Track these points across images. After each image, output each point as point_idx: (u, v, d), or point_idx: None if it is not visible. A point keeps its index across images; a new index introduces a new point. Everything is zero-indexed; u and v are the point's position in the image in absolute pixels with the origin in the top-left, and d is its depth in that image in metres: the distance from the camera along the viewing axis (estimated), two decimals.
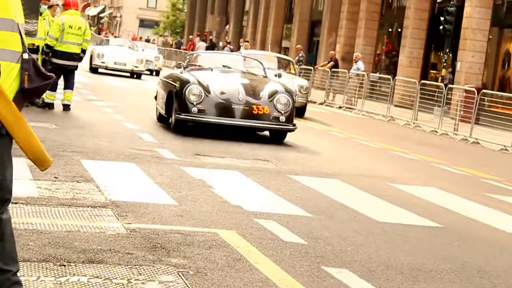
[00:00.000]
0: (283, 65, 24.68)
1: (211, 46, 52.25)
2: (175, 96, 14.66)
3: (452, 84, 28.41)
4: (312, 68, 34.36)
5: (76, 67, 17.10)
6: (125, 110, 18.72)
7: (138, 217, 7.34)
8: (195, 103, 14.33)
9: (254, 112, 14.44)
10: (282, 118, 14.53)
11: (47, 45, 16.57)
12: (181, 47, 61.72)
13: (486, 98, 23.16)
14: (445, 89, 23.80)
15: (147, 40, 67.28)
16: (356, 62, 30.99)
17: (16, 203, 7.27)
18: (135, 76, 36.15)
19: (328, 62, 34.65)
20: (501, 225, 8.98)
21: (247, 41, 46.86)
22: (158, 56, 44.08)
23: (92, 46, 37.67)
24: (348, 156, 14.35)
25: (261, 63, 17.63)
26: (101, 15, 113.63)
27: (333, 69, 32.25)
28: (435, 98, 25.09)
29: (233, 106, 14.42)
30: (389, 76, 29.25)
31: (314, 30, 48.38)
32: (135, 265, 5.71)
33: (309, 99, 25.76)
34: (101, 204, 7.74)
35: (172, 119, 14.86)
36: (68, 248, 5.97)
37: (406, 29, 35.27)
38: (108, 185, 8.74)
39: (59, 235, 6.34)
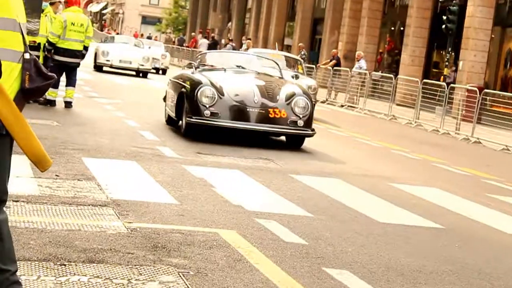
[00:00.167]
0: (291, 64, 23.53)
1: (213, 44, 52.25)
2: (186, 98, 13.83)
3: (455, 83, 28.40)
4: (314, 66, 34.34)
5: (78, 64, 17.10)
6: (127, 108, 18.72)
7: (139, 216, 7.33)
8: (207, 106, 13.47)
9: (270, 115, 13.60)
10: (300, 123, 13.70)
11: (49, 42, 16.57)
12: (184, 44, 61.70)
13: (488, 98, 23.17)
14: (447, 88, 23.79)
15: (149, 37, 67.32)
16: (358, 61, 30.97)
17: (17, 201, 7.27)
18: (141, 74, 35.20)
19: (330, 61, 34.60)
20: (502, 226, 8.98)
21: (249, 39, 46.84)
22: (165, 54, 42.71)
23: (97, 44, 37.30)
24: (349, 155, 14.33)
25: (277, 63, 16.86)
26: (104, 11, 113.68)
27: (335, 68, 32.24)
28: (437, 97, 25.07)
29: (248, 109, 13.59)
30: (391, 75, 29.23)
31: (317, 28, 48.37)
32: (135, 265, 5.71)
33: (317, 99, 25.56)
34: (102, 202, 7.74)
35: (183, 123, 14.06)
36: (68, 247, 5.97)
37: (409, 27, 35.25)
38: (109, 184, 8.73)
39: (60, 234, 6.34)
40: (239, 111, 13.59)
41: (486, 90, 23.56)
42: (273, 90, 14.14)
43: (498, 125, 21.49)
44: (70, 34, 16.69)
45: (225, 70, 15.10)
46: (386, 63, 41.17)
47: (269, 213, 8.10)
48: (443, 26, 29.93)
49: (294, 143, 14.17)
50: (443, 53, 33.94)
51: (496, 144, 19.63)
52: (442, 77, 30.94)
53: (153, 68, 38.12)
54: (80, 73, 19.66)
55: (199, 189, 9.08)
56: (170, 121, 15.56)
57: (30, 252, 5.73)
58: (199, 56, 16.71)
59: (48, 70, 16.47)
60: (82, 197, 7.87)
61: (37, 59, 4.10)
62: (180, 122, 14.39)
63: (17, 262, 4.36)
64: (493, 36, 31.06)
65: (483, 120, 22.72)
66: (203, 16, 68.66)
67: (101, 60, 34.49)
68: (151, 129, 14.64)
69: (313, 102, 14.17)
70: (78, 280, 5.25)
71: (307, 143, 14.31)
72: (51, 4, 17.17)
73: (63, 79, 16.87)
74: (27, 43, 4.11)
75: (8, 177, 4.14)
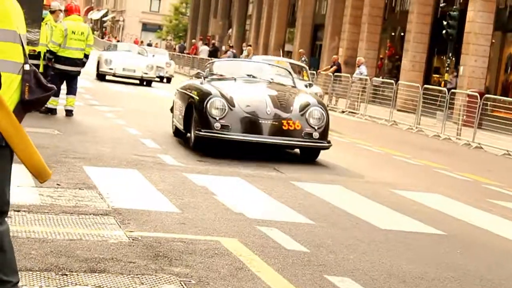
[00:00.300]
0: (296, 71, 22.66)
1: (214, 50, 52.32)
2: (195, 109, 13.18)
3: (456, 88, 28.41)
4: (314, 72, 34.34)
5: (79, 73, 17.11)
6: (128, 116, 18.73)
7: (140, 224, 7.34)
8: (217, 118, 12.77)
9: (284, 127, 12.89)
10: (316, 135, 13.00)
11: (50, 51, 16.58)
12: (184, 51, 61.75)
13: (489, 103, 23.15)
14: (448, 93, 23.79)
15: (149, 44, 67.36)
16: (358, 67, 30.99)
17: (18, 211, 7.27)
18: (144, 83, 34.17)
19: (331, 66, 34.61)
20: (503, 232, 8.97)
21: (250, 45, 46.88)
22: (170, 62, 41.47)
23: (99, 52, 36.83)
24: (350, 162, 14.33)
25: (290, 71, 16.28)
26: (104, 19, 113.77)
27: (335, 73, 32.25)
28: (438, 103, 25.07)
29: (260, 121, 12.89)
30: (392, 81, 29.24)
31: (317, 34, 48.39)
32: (137, 274, 5.71)
33: None
34: (103, 211, 7.74)
35: (192, 136, 13.39)
36: (70, 257, 5.97)
37: (409, 33, 35.26)
38: (111, 192, 8.74)
39: (61, 244, 6.34)
40: (251, 123, 12.92)
41: (487, 95, 23.57)
42: (286, 100, 13.53)
43: (499, 130, 21.48)
44: (71, 43, 16.71)
45: (235, 79, 14.48)
46: (386, 69, 41.18)
47: (270, 220, 8.10)
48: (444, 32, 29.94)
49: (308, 156, 13.54)
50: (444, 58, 33.95)
51: (497, 149, 19.63)
52: (442, 82, 30.96)
53: (157, 77, 37.11)
54: (81, 81, 19.67)
55: (201, 197, 9.08)
56: (177, 133, 15.03)
57: (32, 262, 5.74)
58: (208, 65, 15.81)
59: (49, 78, 16.55)
60: (83, 206, 7.88)
61: (37, 70, 4.11)
62: (188, 134, 13.86)
63: (19, 273, 4.37)
64: (493, 41, 31.07)
65: (484, 125, 22.70)
66: (203, 23, 68.71)
67: (104, 68, 33.49)
68: (152, 137, 14.63)
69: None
70: None
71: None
72: (52, 12, 17.19)
73: (63, 87, 16.88)
74: (27, 54, 4.13)
75: (9, 188, 4.15)
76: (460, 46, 30.92)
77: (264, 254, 6.65)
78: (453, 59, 31.86)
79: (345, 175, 12.34)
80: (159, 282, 5.58)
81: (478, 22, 30.09)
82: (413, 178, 13.17)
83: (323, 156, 14.32)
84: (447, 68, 31.45)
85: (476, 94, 22.83)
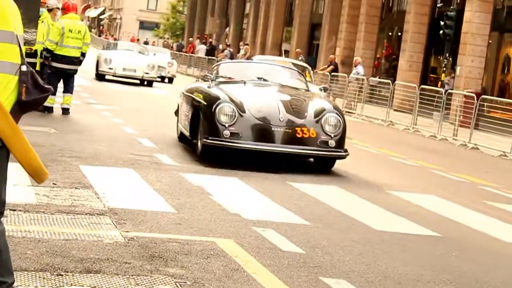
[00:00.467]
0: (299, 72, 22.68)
1: (211, 49, 52.30)
2: (203, 115, 12.38)
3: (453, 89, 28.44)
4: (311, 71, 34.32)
5: (75, 71, 17.11)
6: (125, 114, 18.71)
7: (136, 225, 7.33)
8: (227, 125, 11.92)
9: (298, 135, 12.03)
10: (332, 143, 12.13)
11: (47, 49, 16.57)
12: (182, 50, 61.71)
13: (485, 104, 23.18)
14: (445, 94, 23.81)
15: (146, 43, 67.23)
16: (355, 66, 30.99)
17: (14, 210, 7.27)
18: (145, 83, 33.05)
19: (328, 66, 34.64)
20: (500, 234, 8.97)
21: (247, 44, 46.89)
22: (172, 62, 39.98)
23: (98, 51, 36.33)
24: (347, 162, 14.30)
25: (302, 74, 15.44)
26: (101, 17, 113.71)
27: (332, 73, 32.26)
28: (434, 103, 25.09)
29: (272, 128, 12.02)
30: (389, 81, 29.25)
31: (314, 33, 48.41)
32: (132, 275, 5.71)
33: None
34: (99, 211, 7.74)
35: (198, 144, 12.51)
36: (65, 257, 5.96)
37: (406, 33, 35.28)
38: (107, 192, 8.74)
39: (57, 244, 6.33)
40: (263, 131, 12.05)
41: (483, 96, 23.58)
42: (300, 106, 12.72)
43: (496, 131, 21.48)
44: (68, 41, 16.71)
45: (244, 83, 13.49)
46: (383, 69, 41.21)
47: (266, 221, 8.10)
48: (441, 32, 29.96)
49: (323, 166, 12.69)
50: (441, 58, 33.96)
51: (494, 150, 19.63)
52: (439, 82, 30.97)
53: (158, 77, 35.87)
54: (79, 79, 19.66)
55: (197, 197, 9.08)
56: (182, 138, 14.25)
57: (27, 262, 5.73)
58: (215, 67, 14.93)
59: (45, 77, 16.50)
60: (79, 206, 7.87)
61: (34, 71, 4.11)
62: (195, 141, 13.01)
63: (14, 273, 4.37)
64: (490, 41, 31.11)
65: (481, 126, 22.71)
66: (201, 21, 68.69)
67: (104, 68, 32.33)
68: (149, 136, 14.61)
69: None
70: None
71: None
72: (49, 10, 17.17)
73: (60, 85, 16.87)
74: (24, 54, 4.13)
75: (5, 187, 4.15)
76: (457, 47, 30.95)
77: (259, 255, 6.65)
78: (450, 59, 31.89)
79: (341, 175, 12.33)
80: (154, 283, 5.58)
81: (475, 22, 30.12)
82: (409, 179, 13.18)
83: None
84: (444, 68, 31.46)
85: (473, 94, 22.83)
